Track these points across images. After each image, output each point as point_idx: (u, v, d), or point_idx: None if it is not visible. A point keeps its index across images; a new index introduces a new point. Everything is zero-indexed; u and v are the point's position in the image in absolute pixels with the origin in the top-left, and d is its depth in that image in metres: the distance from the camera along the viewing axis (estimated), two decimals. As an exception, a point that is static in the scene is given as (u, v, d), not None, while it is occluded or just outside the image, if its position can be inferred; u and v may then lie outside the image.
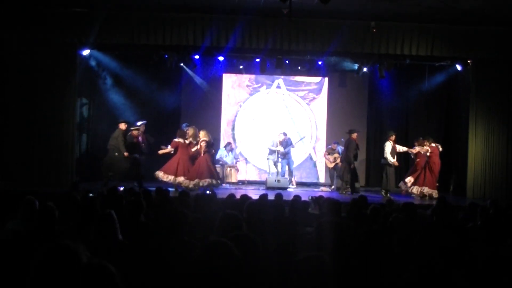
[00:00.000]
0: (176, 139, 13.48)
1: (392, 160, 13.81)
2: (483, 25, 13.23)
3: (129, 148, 13.14)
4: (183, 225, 4.62)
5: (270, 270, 3.49)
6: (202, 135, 13.60)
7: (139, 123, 14.10)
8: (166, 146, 13.89)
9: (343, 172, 14.25)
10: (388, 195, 13.28)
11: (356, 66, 15.90)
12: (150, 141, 14.31)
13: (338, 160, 14.97)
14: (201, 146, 13.46)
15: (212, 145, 14.25)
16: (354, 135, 14.25)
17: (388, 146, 13.87)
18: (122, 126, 13.24)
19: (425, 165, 13.68)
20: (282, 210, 6.50)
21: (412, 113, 16.95)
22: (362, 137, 16.36)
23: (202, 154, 13.46)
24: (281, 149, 15.08)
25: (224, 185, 15.03)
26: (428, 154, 13.62)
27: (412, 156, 14.28)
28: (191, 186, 13.05)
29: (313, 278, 2.70)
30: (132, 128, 13.57)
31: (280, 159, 15.18)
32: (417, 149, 13.88)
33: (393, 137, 14.00)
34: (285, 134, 15.40)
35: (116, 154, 12.94)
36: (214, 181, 13.51)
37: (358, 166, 15.81)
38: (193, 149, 13.49)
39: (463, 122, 14.80)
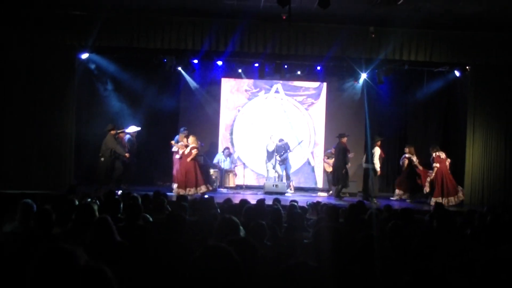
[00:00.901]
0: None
1: (378, 168, 13.77)
2: (481, 30, 13.26)
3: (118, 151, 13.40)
4: (181, 228, 4.62)
5: (267, 275, 3.48)
6: (192, 141, 13.58)
7: (133, 129, 14.16)
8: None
9: (337, 177, 14.18)
10: (375, 200, 13.27)
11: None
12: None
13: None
14: (191, 153, 13.44)
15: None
16: (344, 139, 14.24)
17: (377, 151, 13.83)
18: (113, 132, 13.46)
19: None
20: (279, 215, 6.50)
21: (411, 118, 16.96)
22: (361, 142, 16.36)
23: (188, 160, 13.42)
24: (277, 157, 15.09)
25: (222, 189, 15.02)
26: (435, 166, 13.64)
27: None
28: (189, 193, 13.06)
29: (298, 286, 2.69)
30: (118, 131, 13.71)
31: (278, 164, 15.17)
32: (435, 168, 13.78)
33: (379, 143, 14.02)
34: (281, 140, 15.38)
35: (102, 159, 13.25)
36: (210, 187, 13.87)
37: (356, 171, 15.80)
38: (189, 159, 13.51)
39: (462, 128, 14.82)
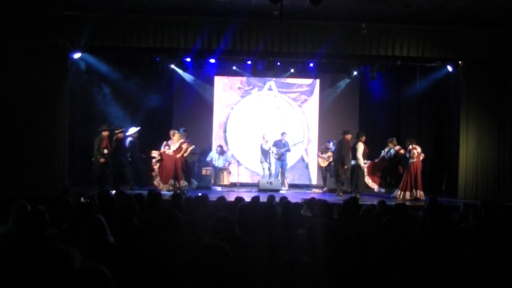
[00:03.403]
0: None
1: (362, 164, 13.72)
2: (473, 26, 13.29)
3: (115, 151, 13.41)
4: (176, 227, 4.62)
5: (262, 271, 3.49)
6: (180, 138, 13.83)
7: (133, 130, 14.13)
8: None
9: (338, 173, 14.13)
10: (359, 195, 13.19)
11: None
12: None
13: (331, 159, 14.90)
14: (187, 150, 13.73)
15: None
16: (348, 136, 14.17)
17: (360, 147, 13.76)
18: (105, 133, 13.41)
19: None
20: (274, 212, 6.50)
21: (404, 114, 16.97)
22: (353, 138, 16.35)
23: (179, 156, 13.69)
24: (274, 149, 15.08)
25: (216, 187, 15.02)
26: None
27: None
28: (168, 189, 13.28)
29: (292, 282, 2.70)
30: (116, 132, 13.57)
31: (274, 157, 15.15)
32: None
33: (363, 138, 13.97)
34: (283, 133, 15.37)
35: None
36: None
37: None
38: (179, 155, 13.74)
39: (455, 123, 14.86)
